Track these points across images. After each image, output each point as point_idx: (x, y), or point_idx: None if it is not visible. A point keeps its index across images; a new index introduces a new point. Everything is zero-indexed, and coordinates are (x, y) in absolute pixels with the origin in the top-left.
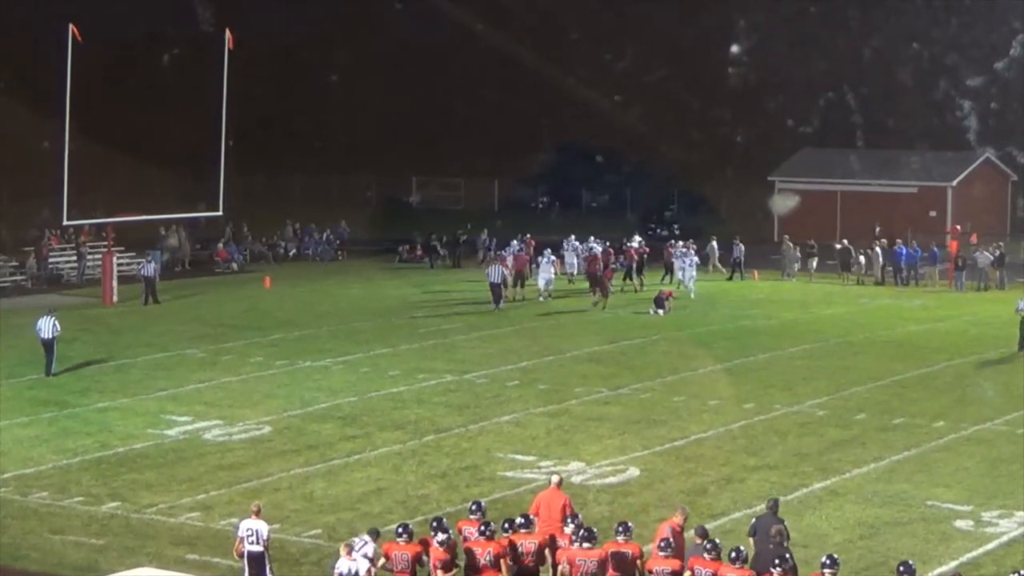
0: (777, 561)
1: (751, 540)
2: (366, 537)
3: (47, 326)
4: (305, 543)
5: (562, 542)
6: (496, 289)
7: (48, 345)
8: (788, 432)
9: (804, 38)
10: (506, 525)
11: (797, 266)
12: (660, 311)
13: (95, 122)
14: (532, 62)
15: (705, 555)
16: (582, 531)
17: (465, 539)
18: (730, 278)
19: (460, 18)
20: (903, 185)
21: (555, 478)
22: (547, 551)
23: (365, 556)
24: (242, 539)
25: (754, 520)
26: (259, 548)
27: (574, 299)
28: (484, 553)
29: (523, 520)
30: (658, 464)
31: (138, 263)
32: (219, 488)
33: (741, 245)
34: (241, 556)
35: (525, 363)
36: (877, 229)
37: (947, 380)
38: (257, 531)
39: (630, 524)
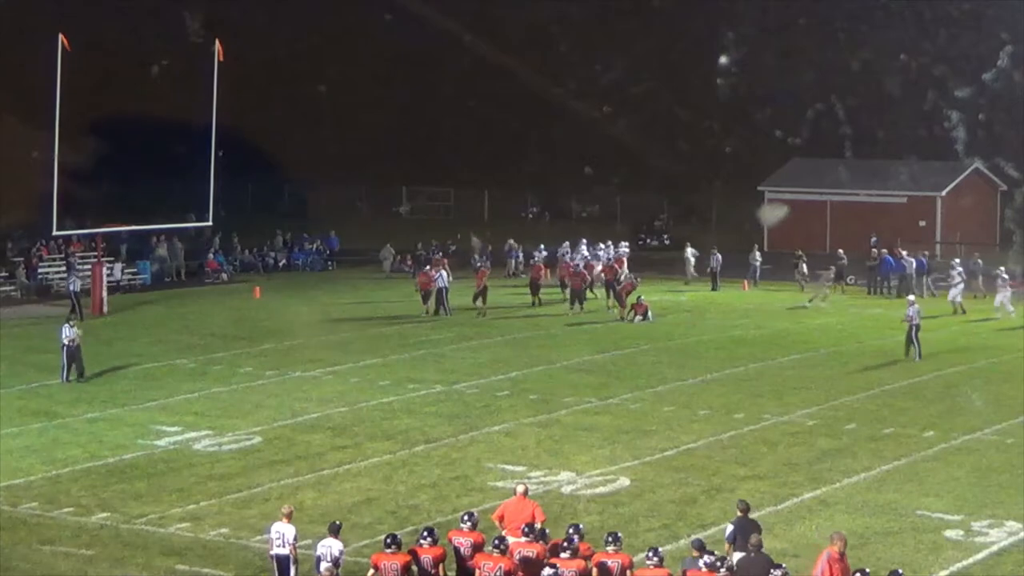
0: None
1: (728, 546)
2: (329, 541)
3: (67, 333)
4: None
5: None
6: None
7: (69, 351)
8: (778, 442)
9: (792, 49)
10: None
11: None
12: (644, 318)
13: (85, 132)
14: (522, 73)
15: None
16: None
17: (457, 549)
18: (714, 288)
19: (450, 29)
20: (892, 195)
21: (520, 487)
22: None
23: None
24: (271, 541)
25: (731, 527)
26: (285, 551)
27: (561, 309)
28: (495, 568)
29: (527, 528)
30: (648, 474)
31: (132, 272)
32: (209, 499)
33: (719, 255)
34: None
35: (515, 373)
36: (873, 239)
37: (936, 390)
38: (284, 534)
39: (619, 535)
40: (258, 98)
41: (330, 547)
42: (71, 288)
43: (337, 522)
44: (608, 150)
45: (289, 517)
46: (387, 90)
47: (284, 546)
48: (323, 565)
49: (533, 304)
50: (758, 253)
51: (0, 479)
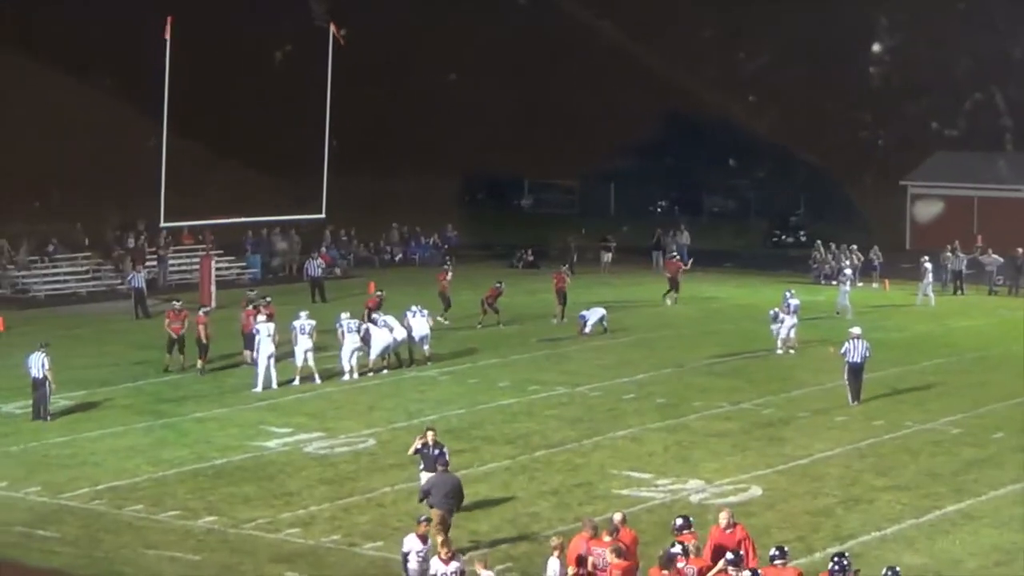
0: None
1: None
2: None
3: (36, 363)
4: None
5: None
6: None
7: (37, 384)
8: (920, 451)
9: (948, 37)
10: None
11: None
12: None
13: (200, 122)
14: (659, 62)
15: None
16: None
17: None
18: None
19: (583, 18)
20: None
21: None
22: None
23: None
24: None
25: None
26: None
27: (688, 307)
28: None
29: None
30: (781, 483)
31: (239, 267)
32: (320, 503)
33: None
34: None
35: (641, 375)
36: (979, 237)
37: None
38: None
39: (786, 548)
40: (383, 87)
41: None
42: (133, 285)
43: (423, 516)
44: (751, 142)
45: (424, 539)
46: (511, 79)
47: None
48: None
49: (560, 315)
50: (956, 253)
51: (104, 480)
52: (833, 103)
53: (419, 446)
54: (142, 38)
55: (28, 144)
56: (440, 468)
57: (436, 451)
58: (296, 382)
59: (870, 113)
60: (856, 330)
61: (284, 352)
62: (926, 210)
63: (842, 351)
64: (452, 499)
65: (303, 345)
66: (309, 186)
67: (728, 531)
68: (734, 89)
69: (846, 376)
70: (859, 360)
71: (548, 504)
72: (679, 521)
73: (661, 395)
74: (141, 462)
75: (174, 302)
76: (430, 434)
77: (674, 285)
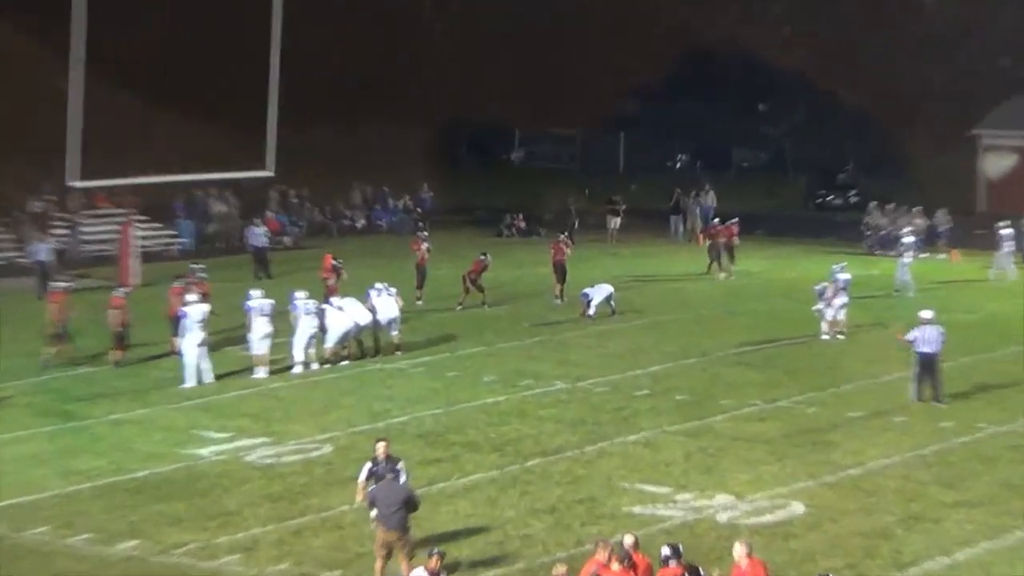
0: None
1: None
2: None
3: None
4: None
5: None
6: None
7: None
8: (996, 458)
9: None
10: None
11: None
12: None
13: (124, 62)
14: None
15: None
16: None
17: None
18: None
19: None
20: None
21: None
22: None
23: None
24: None
25: None
26: None
27: (710, 283)
28: None
29: None
30: (828, 498)
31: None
32: (265, 524)
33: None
34: None
35: (657, 367)
36: None
37: None
38: None
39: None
40: (344, 20)
41: None
42: (37, 258)
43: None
44: (785, 84)
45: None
46: (503, 9)
47: None
48: None
49: (559, 294)
50: None
51: (4, 496)
52: (882, 35)
53: (370, 466)
54: None
55: None
56: (389, 476)
57: (390, 466)
58: (260, 373)
59: (928, 47)
60: (927, 313)
61: (227, 338)
62: (999, 164)
63: (910, 338)
64: (398, 514)
65: (262, 329)
66: (253, 138)
67: (744, 567)
68: (764, 22)
69: (915, 370)
70: (932, 350)
71: (543, 525)
72: (666, 551)
73: (681, 391)
74: (47, 474)
75: (53, 282)
76: (381, 446)
77: (729, 255)
